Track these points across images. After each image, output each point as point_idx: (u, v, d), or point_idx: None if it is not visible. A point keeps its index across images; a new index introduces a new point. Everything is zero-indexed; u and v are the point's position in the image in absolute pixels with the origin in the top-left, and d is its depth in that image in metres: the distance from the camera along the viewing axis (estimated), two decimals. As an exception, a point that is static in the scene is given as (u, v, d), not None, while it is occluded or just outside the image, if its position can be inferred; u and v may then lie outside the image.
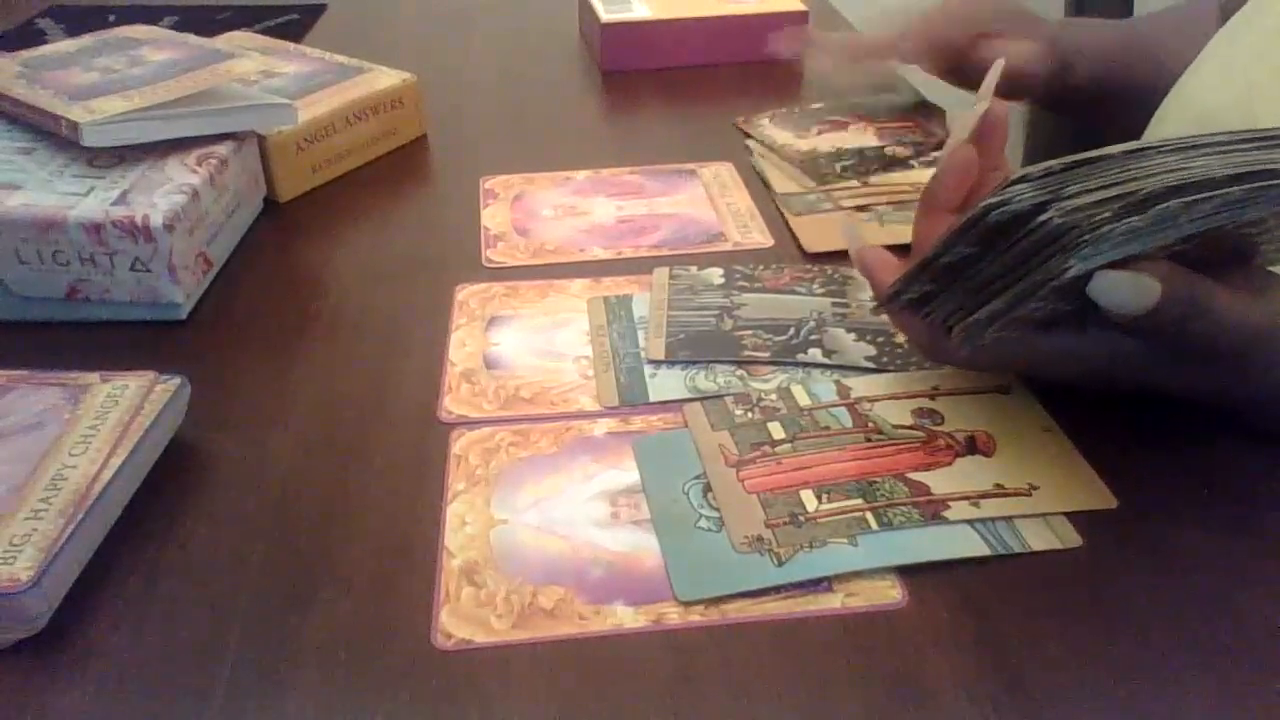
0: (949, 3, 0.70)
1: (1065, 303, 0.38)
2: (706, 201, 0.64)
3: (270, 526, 0.41)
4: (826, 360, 0.49)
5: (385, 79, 0.71)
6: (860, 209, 0.62)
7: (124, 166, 0.55)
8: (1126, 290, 0.36)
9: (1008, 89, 0.70)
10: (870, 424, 0.45)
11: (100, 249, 0.51)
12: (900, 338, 0.50)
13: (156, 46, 0.64)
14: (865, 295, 0.54)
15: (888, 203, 0.63)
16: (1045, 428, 0.45)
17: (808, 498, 0.41)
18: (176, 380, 0.44)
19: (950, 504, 0.40)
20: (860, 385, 0.47)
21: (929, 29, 0.69)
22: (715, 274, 0.56)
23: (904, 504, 0.40)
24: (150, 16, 0.85)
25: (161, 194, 0.52)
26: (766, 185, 0.66)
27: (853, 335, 0.51)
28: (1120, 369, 0.41)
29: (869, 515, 0.40)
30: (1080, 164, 0.35)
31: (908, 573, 0.38)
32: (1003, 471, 0.42)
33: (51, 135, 0.57)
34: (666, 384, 0.48)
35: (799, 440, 0.44)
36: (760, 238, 0.60)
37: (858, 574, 0.38)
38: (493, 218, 0.63)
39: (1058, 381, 0.45)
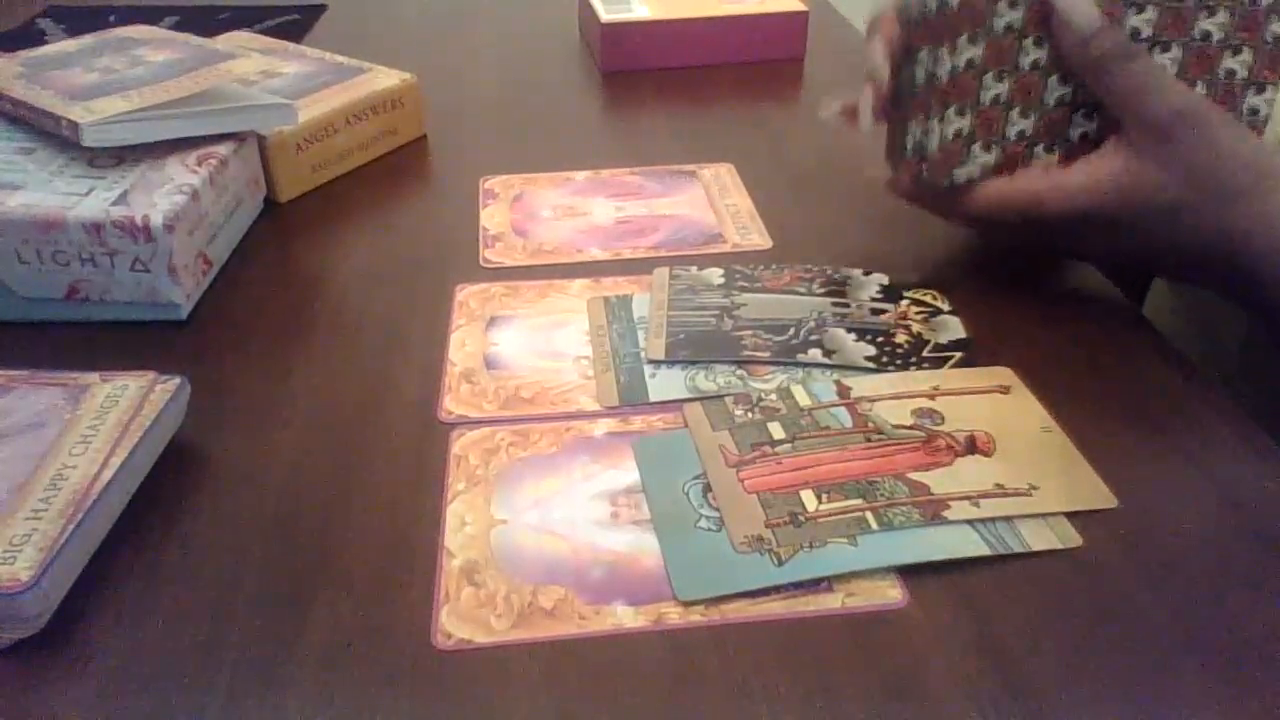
0: None
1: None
2: (706, 203, 0.64)
3: (270, 526, 0.41)
4: (826, 360, 0.49)
5: (385, 79, 0.71)
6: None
7: (124, 166, 0.55)
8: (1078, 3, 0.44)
9: None
10: (870, 424, 0.45)
11: (100, 249, 0.51)
12: (900, 337, 0.51)
13: (156, 47, 0.64)
14: (865, 295, 0.54)
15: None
16: (1045, 428, 0.45)
17: (808, 498, 0.41)
18: (176, 380, 0.44)
19: (950, 504, 0.40)
20: (860, 385, 0.47)
21: None
22: (715, 274, 0.56)
23: (904, 504, 0.40)
24: (150, 17, 0.85)
25: (161, 194, 0.52)
26: None
27: (853, 335, 0.51)
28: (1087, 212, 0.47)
29: (869, 515, 0.40)
30: None
31: (908, 573, 0.38)
32: (1003, 471, 0.42)
33: (51, 135, 0.57)
34: (666, 384, 0.48)
35: (799, 440, 0.44)
36: (759, 239, 0.60)
37: (858, 574, 0.38)
38: (491, 218, 0.63)
39: (1026, 232, 0.51)
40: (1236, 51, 0.45)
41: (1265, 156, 0.45)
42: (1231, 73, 0.45)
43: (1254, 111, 0.46)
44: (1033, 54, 0.47)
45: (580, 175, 0.68)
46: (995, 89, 0.47)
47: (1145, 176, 0.45)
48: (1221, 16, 0.44)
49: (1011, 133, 0.48)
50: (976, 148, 0.49)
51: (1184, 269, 0.50)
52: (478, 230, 0.61)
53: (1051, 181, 0.48)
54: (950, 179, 0.51)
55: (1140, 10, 0.45)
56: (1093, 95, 0.47)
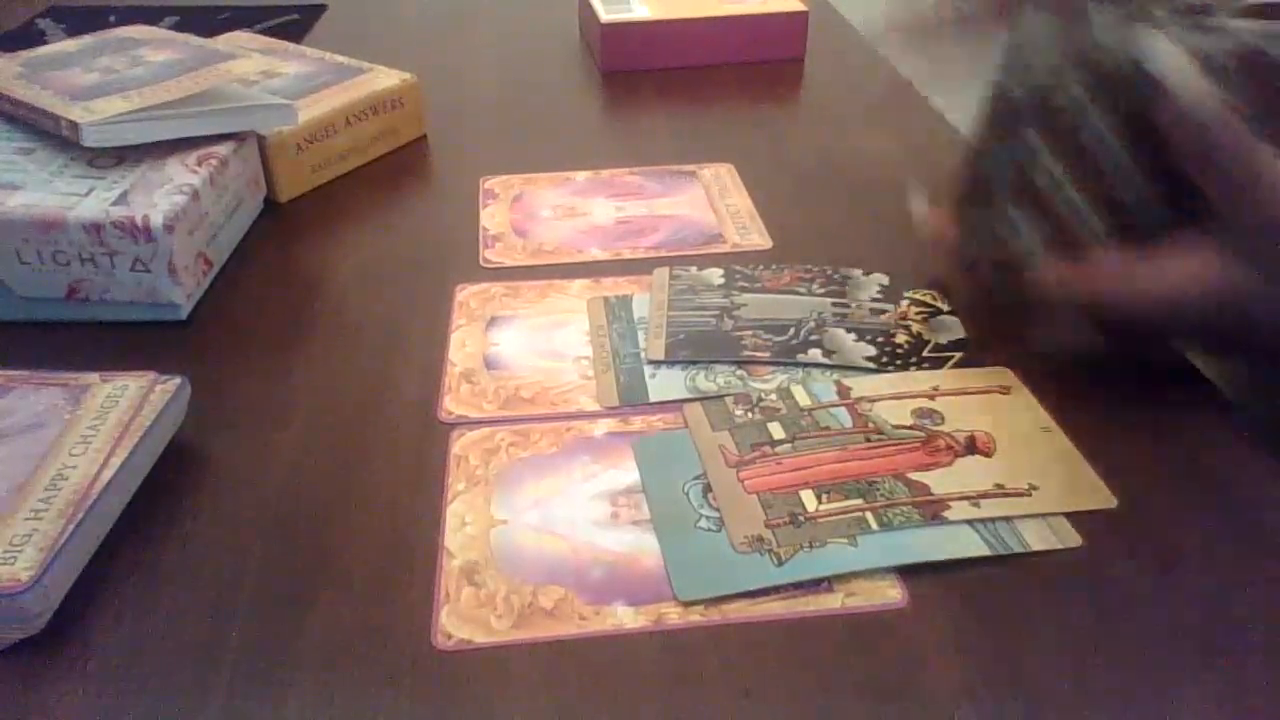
0: None
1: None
2: (706, 203, 0.64)
3: (270, 526, 0.41)
4: (826, 360, 0.49)
5: (385, 79, 0.71)
6: None
7: (124, 166, 0.55)
8: (1178, 58, 0.38)
9: None
10: (870, 424, 0.45)
11: (100, 249, 0.51)
12: (900, 338, 0.50)
13: (156, 47, 0.64)
14: (865, 295, 0.54)
15: None
16: (1045, 428, 0.45)
17: (808, 498, 0.41)
18: (176, 380, 0.44)
19: (950, 504, 0.40)
20: (860, 385, 0.47)
21: None
22: (715, 274, 0.56)
23: (904, 504, 0.40)
24: (150, 17, 0.85)
25: (161, 194, 0.52)
26: None
27: (852, 335, 0.51)
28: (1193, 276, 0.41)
29: (869, 515, 0.40)
30: None
31: (908, 573, 0.38)
32: (1003, 471, 0.42)
33: (51, 135, 0.57)
34: (666, 384, 0.48)
35: (799, 440, 0.44)
36: (759, 239, 0.60)
37: (858, 574, 0.38)
38: (492, 218, 0.63)
39: (1137, 325, 0.44)
40: None
41: None
42: None
43: None
44: (1103, 144, 0.42)
45: (580, 175, 0.68)
46: (1062, 181, 0.43)
47: (1239, 280, 0.41)
48: None
49: (1079, 225, 0.43)
50: (1038, 239, 0.44)
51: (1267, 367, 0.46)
52: (478, 230, 0.61)
53: (1134, 274, 0.43)
54: (1013, 269, 0.45)
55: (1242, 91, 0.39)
56: (1166, 184, 0.42)
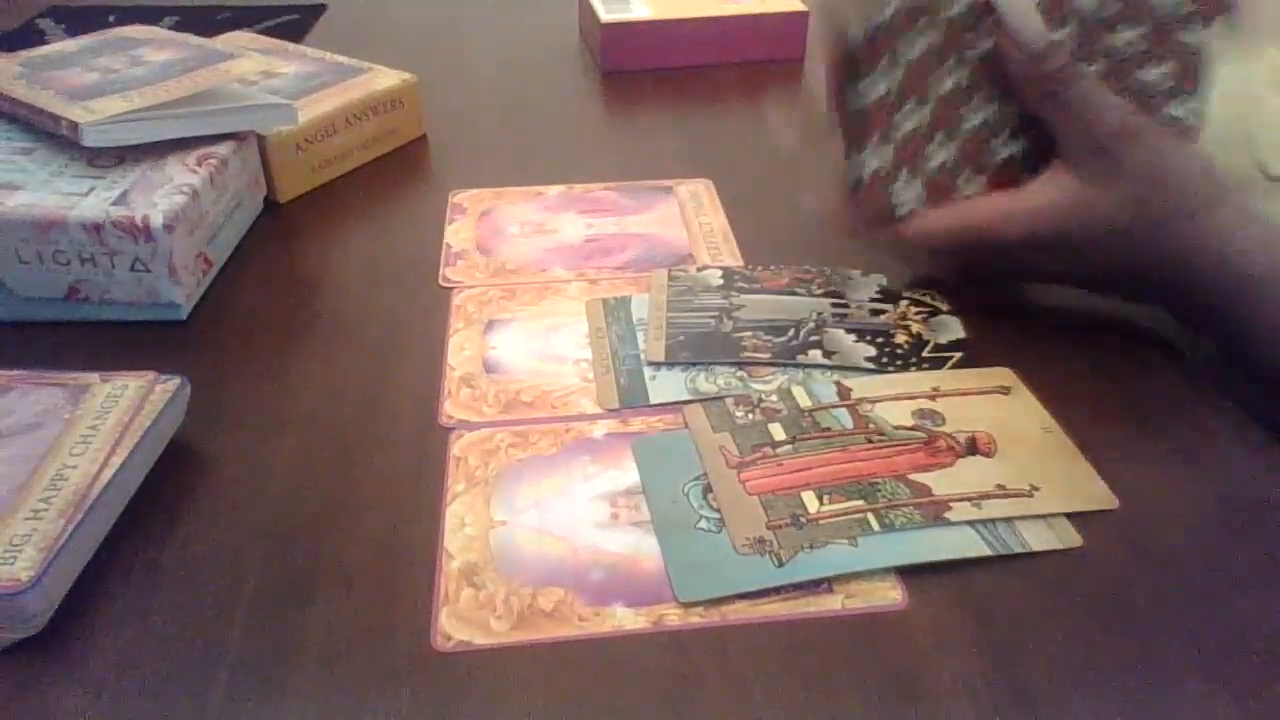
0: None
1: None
2: (679, 220, 0.62)
3: (270, 526, 0.41)
4: (826, 361, 0.49)
5: (385, 79, 0.71)
6: None
7: (124, 166, 0.55)
8: (1026, 12, 0.44)
9: None
10: (871, 425, 0.45)
11: (100, 249, 0.51)
12: (900, 338, 0.50)
13: (156, 47, 0.64)
14: (864, 295, 0.54)
15: None
16: (1045, 428, 0.45)
17: (809, 499, 0.41)
18: (176, 380, 0.44)
19: (952, 505, 0.40)
20: (861, 386, 0.47)
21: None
22: (714, 275, 0.56)
23: (905, 505, 0.40)
24: (150, 17, 0.85)
25: (161, 194, 0.52)
26: None
27: (853, 336, 0.51)
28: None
29: (870, 516, 0.40)
30: None
31: (908, 574, 0.38)
32: (1004, 472, 0.42)
33: (51, 135, 0.57)
34: (667, 386, 0.48)
35: (800, 441, 0.44)
36: (731, 261, 0.58)
37: (858, 575, 0.38)
38: (456, 234, 0.61)
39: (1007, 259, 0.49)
40: (1158, 62, 0.45)
41: (1213, 173, 0.44)
42: (1149, 84, 0.45)
43: (1175, 120, 0.46)
44: (951, 78, 0.46)
45: (553, 190, 0.66)
46: (915, 118, 0.46)
47: (1094, 197, 0.45)
48: (1137, 29, 0.44)
49: (933, 163, 0.47)
50: (901, 182, 0.48)
51: (1142, 290, 0.49)
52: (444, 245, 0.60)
53: (996, 209, 0.47)
54: (889, 211, 0.49)
55: (1061, 25, 0.44)
56: (1014, 117, 0.46)
